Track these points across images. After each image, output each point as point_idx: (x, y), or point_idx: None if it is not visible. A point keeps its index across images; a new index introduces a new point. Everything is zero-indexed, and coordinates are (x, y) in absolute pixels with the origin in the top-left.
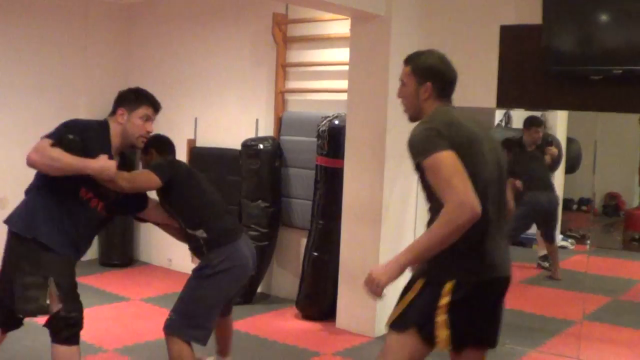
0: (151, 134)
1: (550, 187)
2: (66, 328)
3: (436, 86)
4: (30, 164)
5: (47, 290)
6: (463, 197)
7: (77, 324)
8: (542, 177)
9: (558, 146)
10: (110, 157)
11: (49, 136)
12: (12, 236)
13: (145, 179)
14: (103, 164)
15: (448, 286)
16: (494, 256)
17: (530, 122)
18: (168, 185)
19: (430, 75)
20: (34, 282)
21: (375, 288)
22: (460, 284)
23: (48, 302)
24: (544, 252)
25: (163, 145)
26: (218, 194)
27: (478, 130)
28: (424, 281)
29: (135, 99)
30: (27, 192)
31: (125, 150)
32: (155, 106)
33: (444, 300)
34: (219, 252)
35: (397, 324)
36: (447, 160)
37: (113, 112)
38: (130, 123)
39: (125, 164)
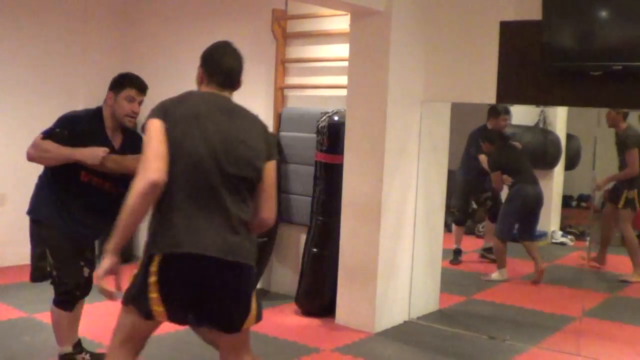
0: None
1: (536, 181)
2: (60, 294)
3: (206, 72)
4: (29, 158)
5: (47, 260)
6: (145, 164)
7: (70, 292)
8: (529, 171)
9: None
10: (106, 138)
11: (44, 132)
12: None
13: (131, 161)
14: (87, 153)
15: (155, 262)
16: (182, 232)
17: (498, 110)
18: None
19: (203, 61)
20: (38, 254)
21: (100, 290)
22: (164, 259)
23: (49, 269)
24: (490, 244)
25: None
26: None
27: (213, 113)
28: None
29: (121, 82)
30: (38, 181)
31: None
32: (138, 87)
33: (153, 277)
34: None
35: (124, 298)
36: (151, 126)
37: (105, 98)
38: (117, 104)
39: (134, 143)
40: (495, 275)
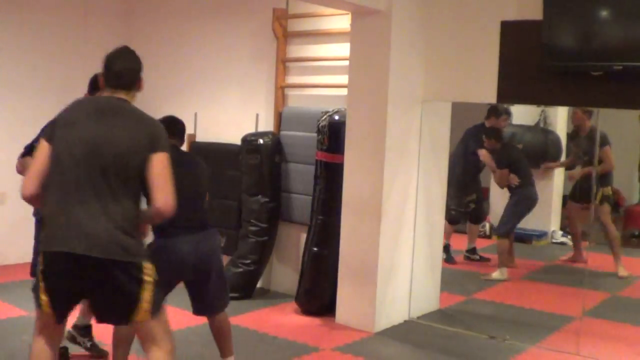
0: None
1: (534, 182)
2: None
3: (104, 77)
4: (18, 172)
5: None
6: (23, 182)
7: None
8: (531, 172)
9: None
10: None
11: (25, 147)
12: None
13: None
14: None
15: (41, 256)
16: (53, 231)
17: (499, 110)
18: None
19: (103, 65)
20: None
21: None
22: (43, 255)
23: None
24: (472, 245)
25: (168, 128)
26: (190, 190)
27: (88, 116)
28: None
29: (95, 82)
30: None
31: None
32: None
33: (41, 268)
34: (154, 243)
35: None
36: (38, 146)
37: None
38: None
39: None
40: (495, 274)
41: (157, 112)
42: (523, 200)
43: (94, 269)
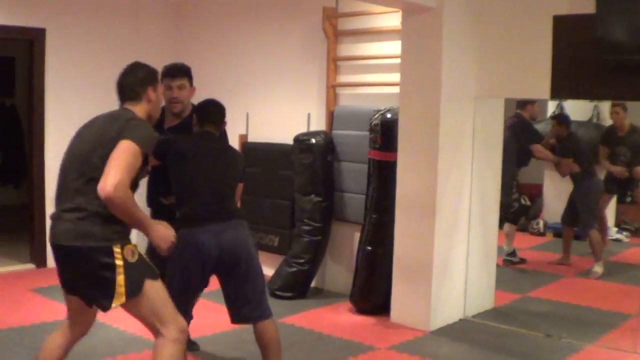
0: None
1: (596, 172)
2: None
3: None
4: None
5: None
6: None
7: None
8: (592, 161)
9: None
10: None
11: None
12: None
13: None
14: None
15: None
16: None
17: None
18: (162, 162)
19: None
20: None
21: None
22: None
23: None
24: (512, 248)
25: (201, 113)
26: (214, 180)
27: (85, 127)
28: None
29: (161, 75)
30: None
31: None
32: (170, 73)
33: None
34: (178, 235)
35: None
36: None
37: None
38: (163, 95)
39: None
40: (597, 268)
41: None
42: (597, 189)
43: (63, 255)
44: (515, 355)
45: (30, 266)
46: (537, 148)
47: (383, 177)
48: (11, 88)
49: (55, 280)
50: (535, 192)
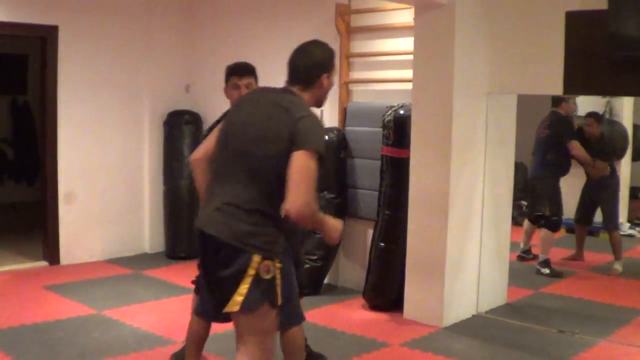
0: None
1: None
2: None
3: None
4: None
5: None
6: None
7: None
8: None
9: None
10: None
11: None
12: None
13: None
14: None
15: None
16: (202, 211)
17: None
18: None
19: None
20: None
21: None
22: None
23: None
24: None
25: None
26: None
27: (251, 104)
28: None
29: (225, 74)
30: None
31: None
32: (238, 72)
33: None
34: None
35: None
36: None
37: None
38: (229, 95)
39: None
40: (618, 266)
41: (222, 110)
42: (618, 190)
43: (208, 247)
44: (528, 351)
45: (44, 264)
46: (576, 145)
47: (396, 173)
48: (24, 86)
49: (68, 278)
50: None
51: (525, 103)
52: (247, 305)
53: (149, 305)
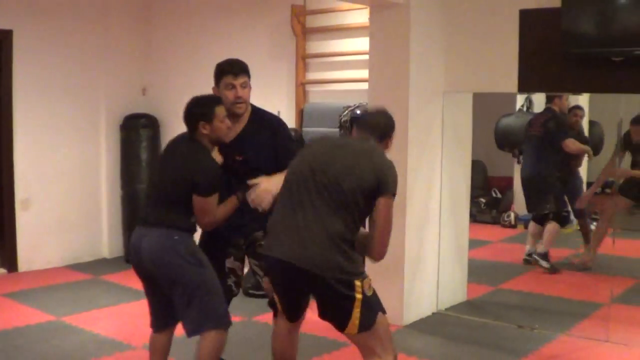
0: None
1: None
2: None
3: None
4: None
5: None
6: None
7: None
8: None
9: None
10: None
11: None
12: None
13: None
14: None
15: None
16: (275, 239)
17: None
18: None
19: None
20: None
21: None
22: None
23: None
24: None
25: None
26: (157, 182)
27: (333, 145)
28: None
29: (216, 73)
30: None
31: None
32: (233, 71)
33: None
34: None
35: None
36: None
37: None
38: (222, 95)
39: (261, 124)
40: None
41: (179, 113)
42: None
43: (297, 277)
44: (489, 347)
45: (2, 271)
46: (570, 142)
47: None
48: None
49: (27, 285)
50: (506, 185)
51: (481, 101)
52: (365, 326)
53: (108, 310)
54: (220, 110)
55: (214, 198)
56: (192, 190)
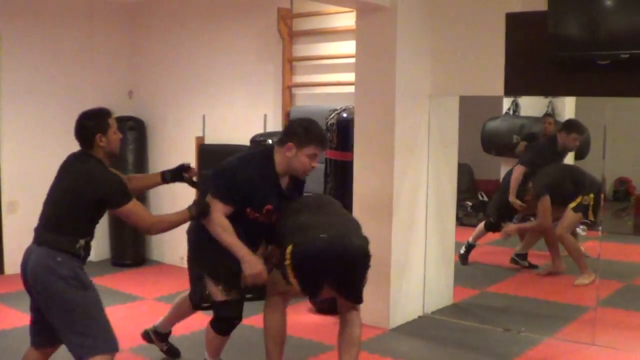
0: None
1: None
2: (220, 320)
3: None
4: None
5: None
6: None
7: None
8: None
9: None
10: (276, 184)
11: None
12: None
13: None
14: (250, 264)
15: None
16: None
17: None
18: None
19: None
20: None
21: None
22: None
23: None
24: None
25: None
26: (47, 202)
27: None
28: None
29: (305, 136)
30: None
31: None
32: (324, 144)
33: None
34: None
35: None
36: None
37: (281, 143)
38: (298, 159)
39: (298, 185)
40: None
41: (167, 115)
42: None
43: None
44: (475, 350)
45: None
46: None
47: (340, 176)
48: None
49: (13, 287)
50: (492, 188)
51: (468, 104)
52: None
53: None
54: (112, 122)
55: (134, 204)
56: (103, 207)
